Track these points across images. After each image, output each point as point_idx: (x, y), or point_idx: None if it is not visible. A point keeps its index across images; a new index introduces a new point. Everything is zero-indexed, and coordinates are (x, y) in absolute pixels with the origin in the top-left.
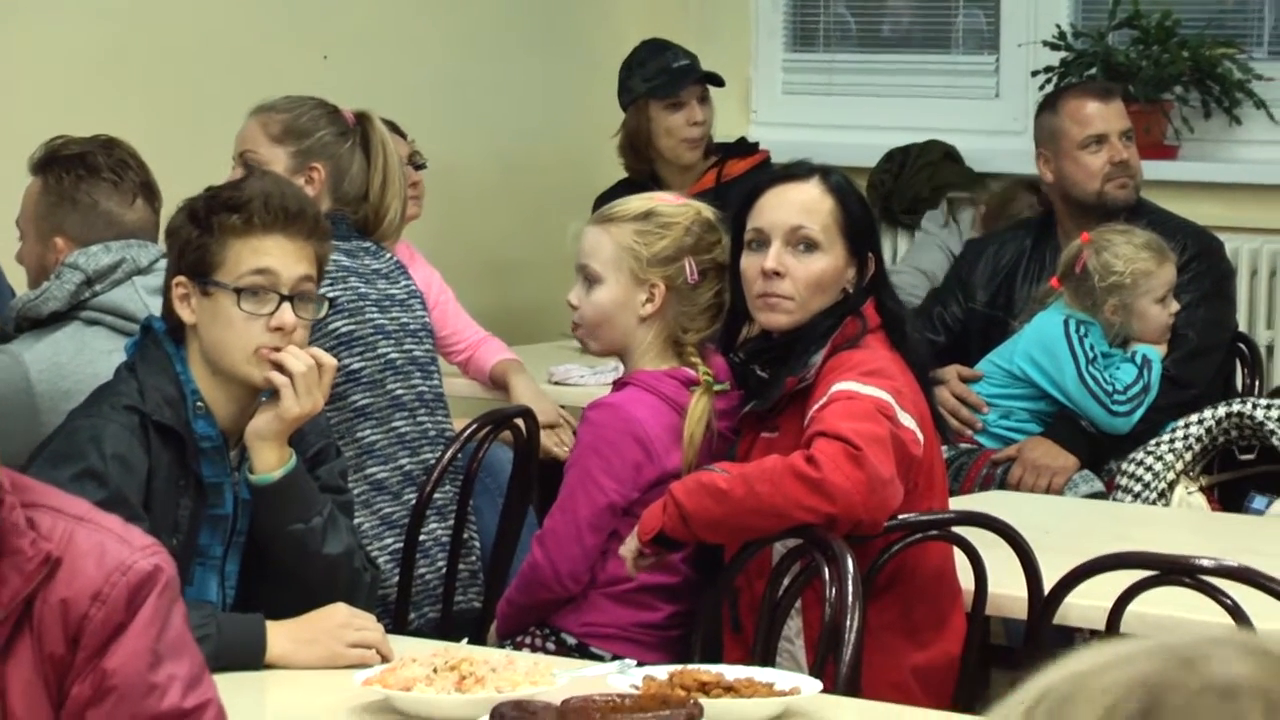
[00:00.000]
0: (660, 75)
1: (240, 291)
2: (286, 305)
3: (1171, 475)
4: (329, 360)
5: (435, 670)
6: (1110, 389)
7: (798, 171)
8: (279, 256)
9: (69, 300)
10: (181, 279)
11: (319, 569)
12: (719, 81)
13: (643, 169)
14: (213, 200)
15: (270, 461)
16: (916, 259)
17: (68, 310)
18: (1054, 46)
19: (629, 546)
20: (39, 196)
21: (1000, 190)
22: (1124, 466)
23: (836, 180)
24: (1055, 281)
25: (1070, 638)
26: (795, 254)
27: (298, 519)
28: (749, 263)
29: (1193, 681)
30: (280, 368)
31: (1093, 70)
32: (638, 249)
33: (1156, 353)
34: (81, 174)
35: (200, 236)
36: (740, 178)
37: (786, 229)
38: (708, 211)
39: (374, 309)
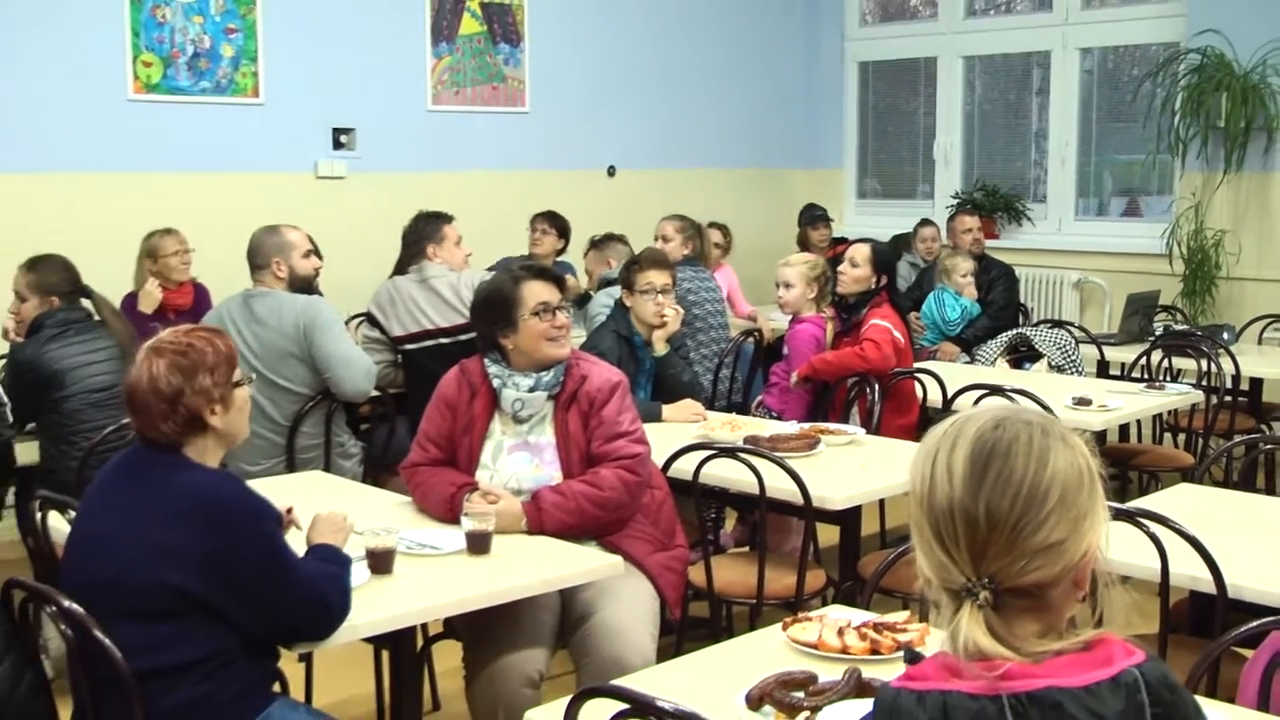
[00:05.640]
0: (810, 217)
1: (645, 294)
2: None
3: (996, 355)
4: (680, 310)
5: (732, 428)
6: (949, 320)
7: (863, 241)
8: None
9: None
10: (625, 292)
11: (688, 385)
12: (830, 219)
13: (805, 250)
14: (634, 264)
15: (664, 347)
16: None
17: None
18: (955, 197)
19: (793, 378)
20: (594, 255)
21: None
22: (977, 352)
23: (875, 244)
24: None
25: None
26: (851, 269)
27: (676, 369)
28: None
29: (1015, 411)
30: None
31: (968, 205)
32: (807, 273)
33: (969, 301)
34: (611, 241)
35: (631, 274)
36: (841, 253)
37: (847, 260)
38: (822, 258)
39: (703, 289)
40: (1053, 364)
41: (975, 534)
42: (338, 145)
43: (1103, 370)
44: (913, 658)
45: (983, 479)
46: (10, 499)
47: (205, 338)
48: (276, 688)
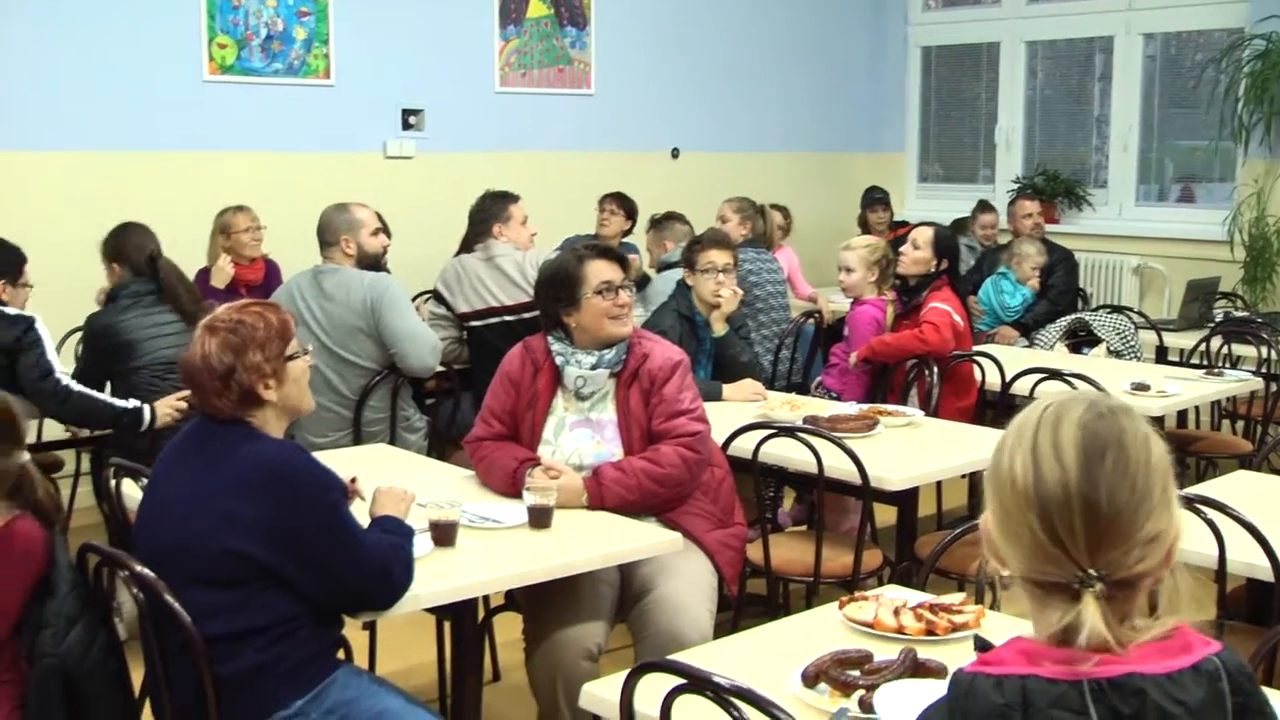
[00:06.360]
0: (870, 199)
1: (706, 273)
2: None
3: (1055, 339)
4: (738, 291)
5: (791, 408)
6: (1009, 307)
7: (926, 224)
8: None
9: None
10: (687, 271)
11: (747, 365)
12: (889, 201)
13: (865, 232)
14: (696, 244)
15: (723, 327)
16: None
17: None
18: (1016, 181)
19: (852, 359)
20: (653, 235)
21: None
22: (1036, 336)
23: (937, 228)
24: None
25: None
26: (912, 251)
27: (736, 349)
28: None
29: (1102, 398)
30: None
31: (1029, 189)
32: (868, 256)
33: (1029, 290)
34: (670, 221)
35: (693, 254)
36: (902, 235)
37: (910, 242)
38: (884, 241)
39: (764, 270)
40: (1111, 349)
41: (1096, 523)
42: (407, 126)
43: (1161, 356)
44: (983, 645)
45: (1100, 467)
46: (86, 466)
47: (258, 313)
48: (341, 655)
